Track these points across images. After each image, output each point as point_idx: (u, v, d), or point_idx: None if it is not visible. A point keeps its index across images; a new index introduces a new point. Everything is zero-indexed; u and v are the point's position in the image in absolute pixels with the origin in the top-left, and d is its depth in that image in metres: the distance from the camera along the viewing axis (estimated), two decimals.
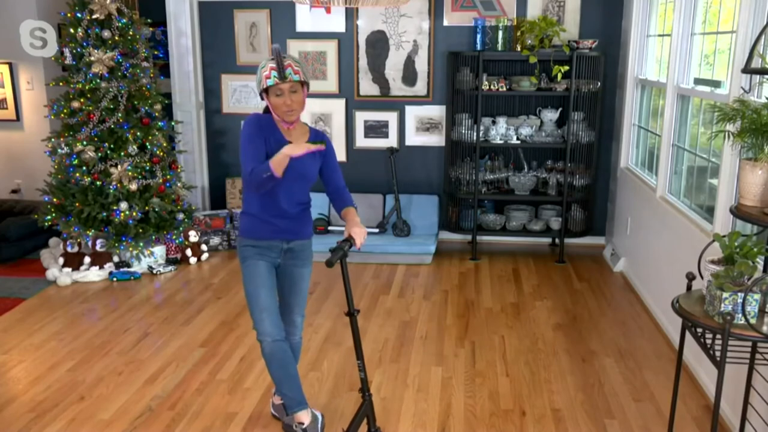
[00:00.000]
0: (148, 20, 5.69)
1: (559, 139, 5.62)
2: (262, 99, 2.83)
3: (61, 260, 5.28)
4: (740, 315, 2.29)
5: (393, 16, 5.93)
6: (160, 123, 5.38)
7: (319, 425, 3.05)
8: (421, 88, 6.03)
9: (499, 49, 5.60)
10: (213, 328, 4.33)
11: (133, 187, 5.14)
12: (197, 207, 6.18)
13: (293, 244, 2.96)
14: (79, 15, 5.08)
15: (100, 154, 5.11)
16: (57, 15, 5.56)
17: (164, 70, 6.72)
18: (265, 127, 2.81)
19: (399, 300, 4.83)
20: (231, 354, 3.95)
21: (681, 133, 4.38)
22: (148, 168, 5.28)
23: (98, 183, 5.13)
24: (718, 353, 2.33)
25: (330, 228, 5.94)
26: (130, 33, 5.21)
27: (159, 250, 5.52)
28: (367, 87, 6.09)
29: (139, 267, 5.39)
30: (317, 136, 2.95)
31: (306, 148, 2.63)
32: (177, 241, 5.57)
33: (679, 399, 2.96)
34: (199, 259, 5.68)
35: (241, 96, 6.26)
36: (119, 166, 5.11)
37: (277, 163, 2.62)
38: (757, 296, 2.29)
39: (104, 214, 5.13)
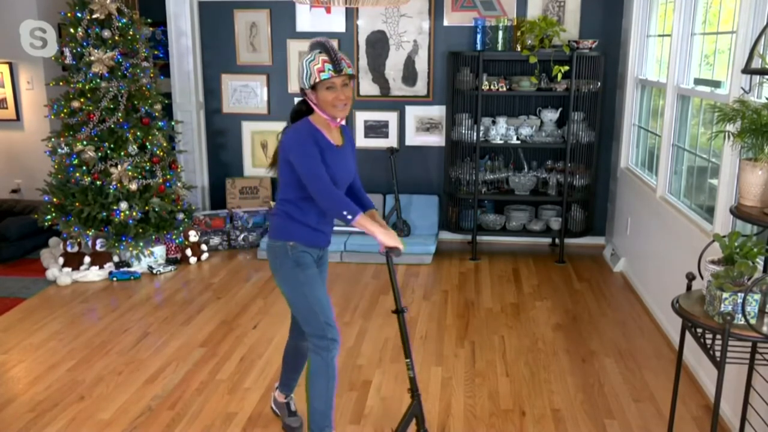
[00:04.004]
0: (148, 20, 5.69)
1: (559, 139, 5.62)
2: (303, 95, 2.70)
3: (61, 260, 5.27)
4: (740, 315, 2.29)
5: (393, 16, 5.93)
6: (160, 123, 5.38)
7: None
8: (421, 88, 6.03)
9: (499, 49, 5.60)
10: (213, 328, 4.33)
11: (133, 187, 5.14)
12: (197, 207, 6.18)
13: (324, 251, 2.94)
14: (79, 15, 5.07)
15: (100, 154, 5.11)
16: (57, 15, 5.56)
17: (164, 70, 6.72)
18: (313, 135, 2.66)
19: None
20: (231, 354, 3.95)
21: (681, 133, 4.38)
22: (148, 168, 5.27)
23: (98, 183, 5.13)
24: (718, 353, 2.33)
25: None
26: (130, 33, 5.21)
27: (159, 250, 5.52)
28: (367, 87, 6.09)
29: (139, 267, 5.39)
30: (345, 132, 2.86)
31: (397, 244, 2.65)
32: (177, 241, 5.57)
33: (679, 399, 2.96)
34: (199, 259, 5.68)
35: (241, 96, 6.26)
36: (119, 166, 5.11)
37: (363, 226, 2.62)
38: (757, 296, 2.29)
39: (104, 214, 5.13)
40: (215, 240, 6.01)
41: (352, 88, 2.70)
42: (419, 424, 2.78)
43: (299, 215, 2.73)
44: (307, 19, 6.00)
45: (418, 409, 2.76)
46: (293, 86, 6.15)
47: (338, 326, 2.80)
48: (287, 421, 3.11)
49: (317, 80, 2.59)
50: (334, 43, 2.64)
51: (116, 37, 5.13)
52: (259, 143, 6.33)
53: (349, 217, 2.59)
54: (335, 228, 2.94)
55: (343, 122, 2.76)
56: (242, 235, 6.05)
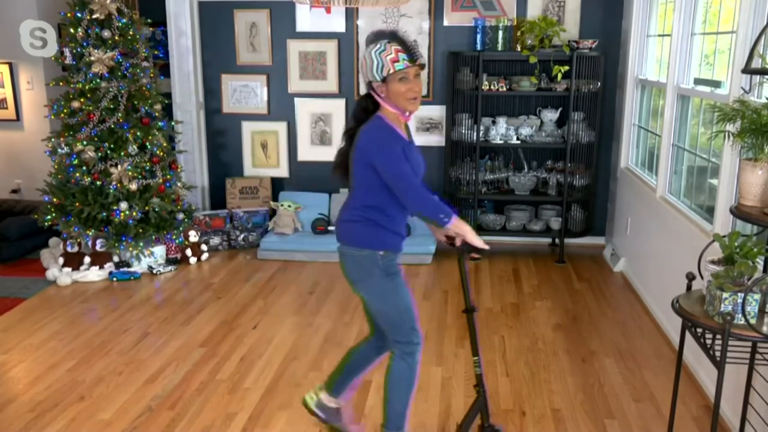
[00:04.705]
0: (148, 20, 5.69)
1: (559, 139, 5.62)
2: (371, 88, 2.57)
3: (61, 260, 5.27)
4: (740, 315, 2.29)
5: (393, 16, 5.93)
6: (160, 123, 5.38)
7: None
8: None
9: (499, 49, 5.60)
10: (213, 328, 4.33)
11: (133, 187, 5.14)
12: (197, 207, 6.18)
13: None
14: (79, 15, 5.07)
15: (100, 154, 5.11)
16: (57, 15, 5.55)
17: (164, 70, 6.72)
18: (394, 133, 2.53)
19: None
20: (231, 354, 3.95)
21: (681, 133, 4.38)
22: (148, 168, 5.27)
23: (98, 183, 5.12)
24: (718, 353, 2.33)
25: (330, 228, 5.94)
26: (130, 33, 5.21)
27: (159, 250, 5.52)
28: None
29: (139, 267, 5.39)
30: (408, 126, 2.75)
31: (486, 246, 2.57)
32: (177, 241, 5.57)
33: (679, 399, 2.96)
34: (199, 259, 5.68)
35: (241, 96, 6.26)
36: (119, 166, 5.11)
37: (458, 227, 2.52)
38: (757, 296, 2.29)
39: (104, 214, 5.12)
40: (215, 240, 6.01)
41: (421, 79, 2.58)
42: (484, 418, 2.81)
43: (386, 222, 2.59)
44: (307, 19, 6.00)
45: (483, 404, 2.79)
46: (293, 86, 6.15)
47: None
48: (344, 428, 2.98)
49: (391, 71, 2.45)
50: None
51: (116, 37, 5.13)
52: (259, 143, 6.33)
53: (446, 219, 2.49)
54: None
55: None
56: (242, 235, 6.05)
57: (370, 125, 2.55)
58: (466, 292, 2.76)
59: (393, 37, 2.49)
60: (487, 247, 2.59)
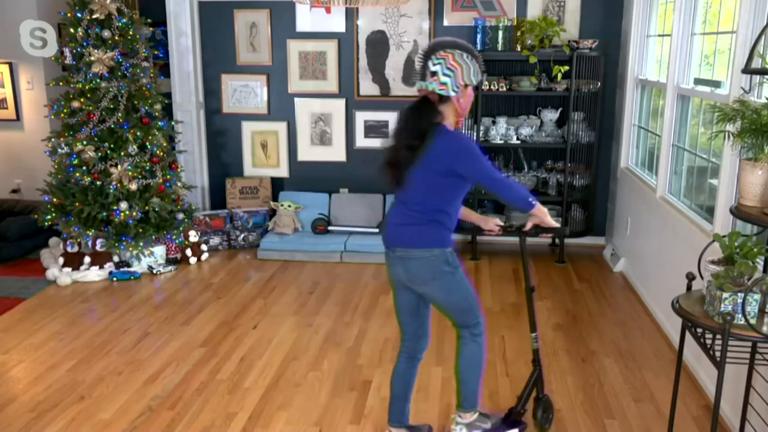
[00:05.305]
0: (148, 20, 5.69)
1: (559, 139, 5.62)
2: (456, 94, 2.63)
3: (61, 260, 5.27)
4: (740, 315, 2.29)
5: (393, 16, 5.93)
6: (160, 123, 5.38)
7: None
8: None
9: (499, 49, 5.60)
10: (213, 328, 4.33)
11: (133, 187, 5.14)
12: (197, 207, 6.18)
13: None
14: (79, 15, 5.07)
15: (100, 154, 5.11)
16: (57, 15, 5.55)
17: (164, 70, 6.72)
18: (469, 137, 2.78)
19: None
20: (231, 354, 3.95)
21: (681, 133, 4.38)
22: (148, 168, 5.27)
23: (98, 183, 5.12)
24: (718, 353, 2.33)
25: (330, 228, 5.94)
26: (130, 33, 5.21)
27: (159, 250, 5.52)
28: (367, 87, 6.09)
29: (139, 267, 5.39)
30: None
31: (556, 224, 2.82)
32: (177, 241, 5.57)
33: (679, 399, 2.96)
34: (199, 259, 5.68)
35: (241, 96, 6.26)
36: (119, 166, 5.11)
37: (540, 209, 2.73)
38: (757, 296, 2.29)
39: (104, 214, 5.12)
40: (215, 240, 6.01)
41: None
42: (539, 389, 3.03)
43: (448, 222, 2.72)
44: (307, 19, 6.00)
45: (539, 377, 3.00)
46: (293, 86, 6.15)
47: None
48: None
49: (481, 79, 2.65)
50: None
51: (116, 37, 5.13)
52: (259, 143, 6.33)
53: (534, 203, 2.70)
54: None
55: None
56: (242, 235, 6.05)
57: (448, 133, 2.63)
58: (527, 273, 3.03)
59: (468, 48, 2.70)
60: (558, 225, 2.86)
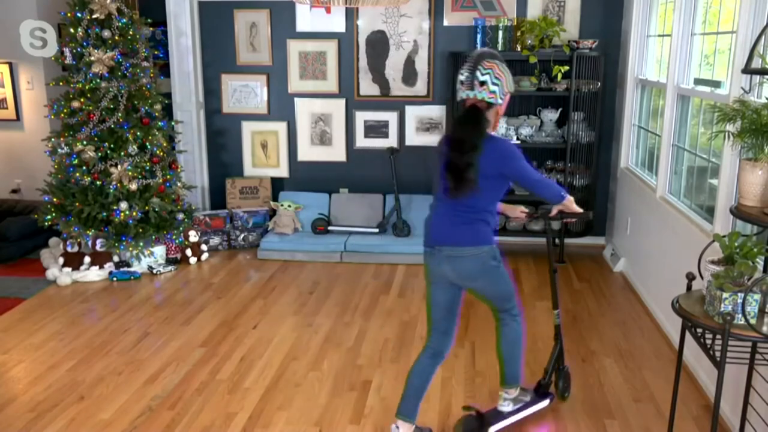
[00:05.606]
0: (148, 20, 5.69)
1: (559, 139, 5.62)
2: (502, 102, 2.80)
3: (61, 260, 5.27)
4: (740, 315, 2.29)
5: (393, 16, 5.93)
6: (160, 123, 5.38)
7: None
8: (421, 88, 6.03)
9: (499, 49, 5.59)
10: (213, 328, 4.33)
11: (133, 187, 5.14)
12: (197, 207, 6.18)
13: None
14: (79, 15, 5.07)
15: (100, 154, 5.11)
16: (57, 15, 5.55)
17: (164, 70, 6.72)
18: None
19: (399, 300, 4.83)
20: (231, 354, 3.95)
21: (681, 133, 4.38)
22: (148, 168, 5.27)
23: (98, 183, 5.13)
24: (718, 353, 2.33)
25: (330, 228, 5.94)
26: (130, 33, 5.21)
27: (159, 250, 5.52)
28: (367, 87, 6.09)
29: (139, 267, 5.39)
30: None
31: (580, 210, 3.08)
32: (177, 241, 5.57)
33: (679, 399, 2.96)
34: (199, 259, 5.68)
35: (241, 96, 6.26)
36: (119, 166, 5.11)
37: (570, 200, 3.01)
38: (757, 296, 2.29)
39: (104, 214, 5.13)
40: (215, 240, 6.01)
41: None
42: (560, 361, 3.38)
43: (492, 220, 2.92)
44: (307, 19, 6.00)
45: (560, 350, 3.36)
46: (293, 86, 6.15)
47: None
48: None
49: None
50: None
51: (116, 37, 5.13)
52: (259, 143, 6.33)
53: (565, 195, 2.98)
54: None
55: None
56: (242, 235, 6.05)
57: (497, 139, 2.82)
58: (550, 256, 3.35)
59: (500, 58, 2.81)
60: (582, 210, 3.11)
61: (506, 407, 3.17)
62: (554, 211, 3.09)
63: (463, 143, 2.76)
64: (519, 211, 3.23)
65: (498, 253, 2.93)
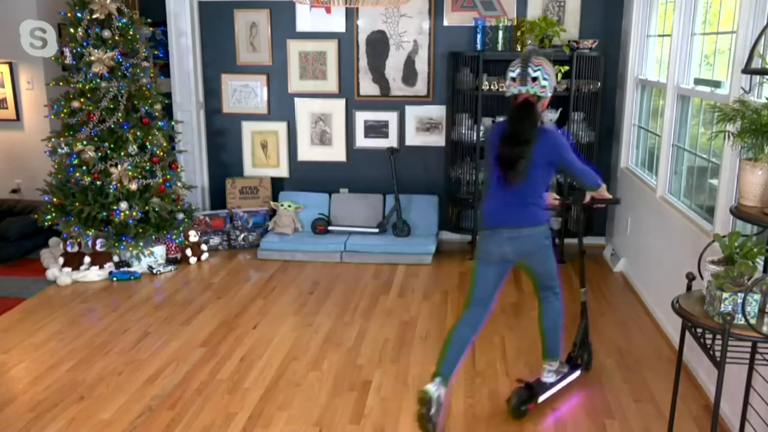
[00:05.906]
0: (148, 20, 5.69)
1: None
2: (550, 96, 3.06)
3: (61, 260, 5.27)
4: (740, 315, 2.29)
5: (393, 16, 5.93)
6: (160, 123, 5.38)
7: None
8: (421, 88, 6.03)
9: (500, 49, 5.60)
10: (213, 328, 4.33)
11: (133, 186, 5.14)
12: (197, 207, 6.18)
13: None
14: (79, 15, 5.07)
15: (100, 154, 5.11)
16: (57, 15, 5.55)
17: (164, 70, 6.72)
18: None
19: (399, 300, 4.83)
20: (231, 354, 3.95)
21: (681, 133, 4.38)
22: (148, 168, 5.27)
23: (98, 183, 5.13)
24: (718, 353, 2.33)
25: (330, 228, 5.94)
26: (130, 33, 5.21)
27: (159, 250, 5.52)
28: (367, 87, 6.09)
29: (139, 267, 5.39)
30: None
31: (610, 196, 3.48)
32: (177, 241, 5.57)
33: (679, 399, 2.96)
34: (199, 259, 5.68)
35: (241, 96, 6.26)
36: (119, 166, 5.11)
37: (603, 188, 3.35)
38: (757, 296, 2.29)
39: (104, 213, 5.12)
40: (215, 240, 6.01)
41: None
42: (586, 336, 3.66)
43: (542, 203, 3.19)
44: (307, 19, 6.00)
45: (586, 326, 3.64)
46: (293, 86, 6.15)
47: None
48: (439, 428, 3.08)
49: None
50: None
51: (116, 37, 5.13)
52: (259, 143, 6.33)
53: (601, 182, 3.31)
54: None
55: None
56: (242, 235, 6.05)
57: (548, 131, 3.08)
58: (581, 240, 3.63)
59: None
60: (611, 196, 3.49)
61: (550, 378, 3.42)
62: (587, 198, 3.41)
63: (517, 137, 2.99)
64: (552, 198, 3.41)
65: (549, 233, 3.21)
